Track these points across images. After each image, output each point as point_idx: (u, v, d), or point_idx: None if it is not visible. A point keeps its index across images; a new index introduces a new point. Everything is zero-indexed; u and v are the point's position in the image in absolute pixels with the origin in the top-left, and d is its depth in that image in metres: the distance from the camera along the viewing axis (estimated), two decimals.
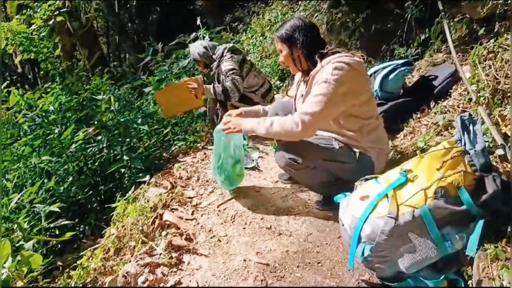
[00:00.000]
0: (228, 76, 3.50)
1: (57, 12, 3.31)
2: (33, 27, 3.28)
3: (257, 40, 8.91)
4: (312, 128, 2.13)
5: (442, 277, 1.77)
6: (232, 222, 2.40)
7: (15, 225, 2.30)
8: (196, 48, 3.80)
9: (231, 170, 2.53)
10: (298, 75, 2.51)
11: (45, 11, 3.26)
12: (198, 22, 4.86)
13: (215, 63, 3.69)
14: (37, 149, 3.17)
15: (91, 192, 3.12)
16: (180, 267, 2.05)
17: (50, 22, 3.29)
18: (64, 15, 3.36)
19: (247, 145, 2.60)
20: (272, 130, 2.15)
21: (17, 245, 2.26)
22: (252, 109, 2.66)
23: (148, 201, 2.60)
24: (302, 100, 2.37)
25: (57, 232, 2.96)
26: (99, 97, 3.44)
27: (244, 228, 2.34)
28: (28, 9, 3.47)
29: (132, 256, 2.16)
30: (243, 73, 3.62)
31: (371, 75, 3.35)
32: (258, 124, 2.20)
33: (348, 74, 2.11)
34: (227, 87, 3.43)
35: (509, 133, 2.25)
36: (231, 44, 3.81)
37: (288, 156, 2.22)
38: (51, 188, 2.91)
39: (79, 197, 3.06)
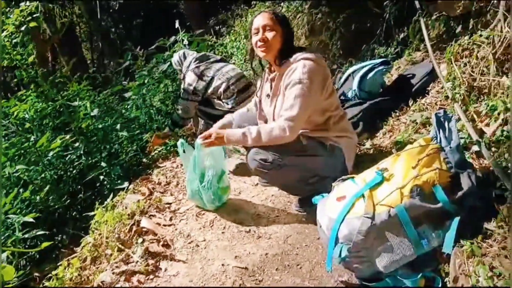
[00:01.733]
0: (179, 100, 3.76)
1: (29, 18, 3.25)
2: (4, 33, 3.22)
3: (240, 43, 8.91)
4: (297, 129, 2.19)
5: (420, 275, 1.76)
6: (211, 226, 2.37)
7: None
8: (174, 56, 3.91)
9: (217, 185, 2.45)
10: (265, 77, 2.51)
11: (17, 17, 3.20)
12: (177, 25, 4.82)
13: (183, 74, 3.78)
14: (12, 158, 3.10)
15: (69, 200, 3.07)
16: (156, 274, 2.02)
17: (23, 28, 3.23)
18: (39, 21, 3.29)
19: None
20: (262, 141, 2.18)
21: None
22: (224, 123, 2.64)
23: (126, 208, 2.56)
24: (269, 101, 2.39)
25: (34, 243, 2.90)
26: (75, 103, 3.38)
27: (223, 232, 2.31)
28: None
29: (108, 264, 2.11)
30: (199, 85, 3.65)
31: (349, 75, 3.36)
32: (243, 136, 2.20)
33: (316, 70, 2.18)
34: (172, 118, 3.84)
35: (484, 129, 2.25)
36: (201, 53, 3.88)
37: (259, 157, 2.23)
38: (26, 198, 2.85)
39: (57, 206, 3.01)
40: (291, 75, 2.19)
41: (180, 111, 3.77)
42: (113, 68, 11.13)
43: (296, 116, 2.13)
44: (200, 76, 3.65)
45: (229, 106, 3.59)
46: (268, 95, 2.43)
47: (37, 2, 3.24)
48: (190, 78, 3.65)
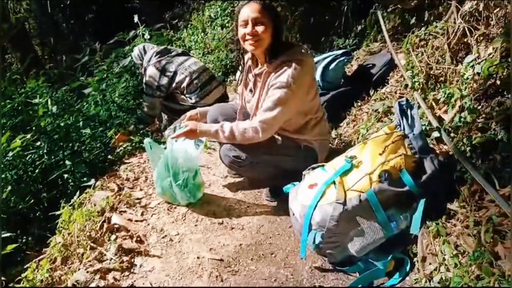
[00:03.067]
0: (143, 96, 3.78)
1: None
2: None
3: (198, 37, 8.86)
4: (271, 132, 2.21)
5: (390, 257, 1.85)
6: (184, 220, 2.37)
7: None
8: (134, 50, 3.89)
9: (192, 182, 2.45)
10: (247, 69, 2.45)
11: None
12: (136, 19, 4.74)
13: (143, 68, 3.75)
14: None
15: (32, 200, 2.97)
16: (132, 270, 2.00)
17: None
18: None
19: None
20: (235, 140, 2.19)
21: None
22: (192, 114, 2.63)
23: (95, 205, 2.52)
24: (251, 97, 2.38)
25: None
26: (36, 100, 3.27)
27: (196, 225, 2.32)
28: None
29: (81, 263, 2.08)
30: (162, 80, 3.63)
31: None
32: (216, 133, 2.20)
33: (305, 74, 2.14)
34: (137, 115, 3.89)
35: (443, 116, 2.37)
36: (162, 47, 3.85)
37: (232, 154, 2.26)
38: None
39: (20, 206, 2.91)
40: (279, 76, 2.13)
41: (146, 109, 3.77)
42: (67, 64, 10.76)
43: (272, 119, 2.13)
44: (162, 71, 3.62)
45: (193, 101, 3.59)
46: (251, 90, 2.40)
47: None
48: (152, 73, 3.63)
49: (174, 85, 3.63)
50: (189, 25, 10.02)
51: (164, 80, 3.62)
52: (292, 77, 2.08)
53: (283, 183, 2.29)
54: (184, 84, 3.60)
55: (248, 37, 2.14)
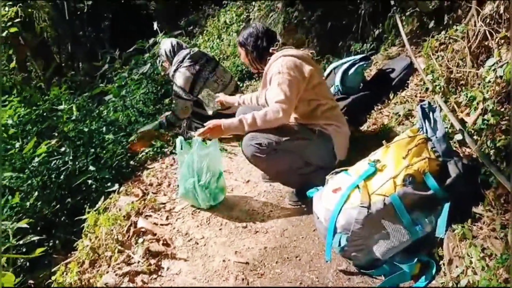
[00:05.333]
0: (174, 98, 3.71)
1: (10, 23, 3.21)
2: None
3: (214, 43, 8.93)
4: (290, 111, 2.35)
5: (416, 260, 1.86)
6: (208, 224, 2.41)
7: None
8: (165, 45, 3.80)
9: (215, 185, 2.50)
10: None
11: None
12: (155, 27, 4.81)
13: (174, 67, 3.69)
14: None
15: (58, 206, 3.04)
16: (159, 273, 2.05)
17: (3, 34, 3.19)
18: (18, 26, 3.25)
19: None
20: (257, 125, 2.31)
21: None
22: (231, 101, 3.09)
23: (120, 210, 2.57)
24: (262, 94, 2.63)
25: (24, 250, 2.86)
26: (61, 107, 3.35)
27: (220, 229, 2.36)
28: None
29: (109, 266, 2.13)
30: (197, 85, 3.64)
31: (331, 71, 3.44)
32: (239, 123, 2.32)
33: (294, 62, 2.40)
34: (168, 119, 3.78)
35: (465, 119, 2.37)
36: (195, 49, 3.81)
37: (254, 142, 2.30)
38: (16, 205, 2.81)
39: (46, 212, 2.98)
40: (271, 69, 2.45)
41: (178, 111, 3.72)
42: (84, 70, 10.94)
43: (284, 98, 2.29)
44: (196, 76, 3.62)
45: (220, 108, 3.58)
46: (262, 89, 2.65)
47: (17, 7, 3.19)
48: (185, 76, 3.60)
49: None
50: (204, 31, 10.11)
51: (197, 86, 3.63)
52: (281, 65, 2.37)
53: (304, 186, 2.36)
54: (216, 92, 3.65)
55: None
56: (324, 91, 2.54)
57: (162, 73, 3.94)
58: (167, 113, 3.94)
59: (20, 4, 3.33)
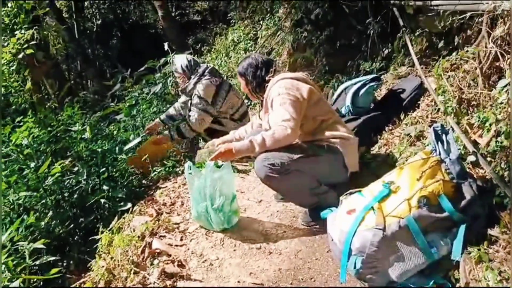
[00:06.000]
0: (192, 109, 3.66)
1: (26, 45, 3.28)
2: (2, 61, 3.24)
3: (222, 61, 9.03)
4: (296, 129, 2.39)
5: (431, 282, 1.86)
6: (222, 245, 2.42)
7: (3, 266, 2.23)
8: (180, 60, 3.82)
9: (229, 208, 2.51)
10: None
11: (14, 45, 3.23)
12: (166, 47, 4.88)
13: (194, 80, 3.70)
14: (12, 185, 3.09)
15: (72, 225, 3.06)
16: None
17: (20, 56, 3.26)
18: (33, 48, 3.33)
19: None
20: (267, 145, 2.35)
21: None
22: (228, 139, 3.02)
23: (134, 230, 2.59)
24: (264, 121, 2.72)
25: (38, 270, 2.88)
26: (75, 128, 3.40)
27: (234, 250, 2.36)
28: None
29: (124, 287, 2.14)
30: (219, 97, 3.69)
31: (342, 91, 3.48)
32: (250, 143, 2.37)
33: (291, 83, 2.52)
34: (180, 129, 3.72)
35: (478, 140, 2.38)
36: (211, 65, 3.88)
37: (267, 163, 2.33)
38: (30, 224, 2.84)
39: (60, 231, 3.00)
40: (271, 94, 2.56)
41: (194, 123, 3.66)
42: (94, 90, 11.07)
43: (289, 117, 2.36)
44: (218, 89, 3.66)
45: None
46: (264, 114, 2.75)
47: (33, 30, 3.26)
48: (208, 88, 3.62)
49: (225, 105, 3.71)
50: (212, 49, 10.23)
51: (220, 98, 3.68)
52: (279, 87, 2.50)
53: (318, 206, 2.41)
54: (234, 109, 3.73)
55: None
56: (326, 107, 2.64)
57: (177, 89, 3.97)
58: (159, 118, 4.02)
59: (36, 26, 3.40)
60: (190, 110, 3.71)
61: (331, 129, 2.54)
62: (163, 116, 3.97)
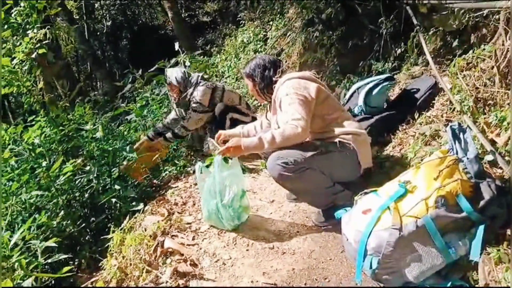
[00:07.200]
0: (190, 109, 3.81)
1: (38, 45, 3.29)
2: (15, 61, 3.25)
3: (231, 62, 9.01)
4: (306, 127, 2.35)
5: (449, 283, 1.82)
6: (234, 244, 2.40)
7: (16, 264, 2.23)
8: (174, 73, 3.93)
9: (238, 204, 2.49)
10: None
11: (27, 44, 3.24)
12: (177, 47, 4.88)
13: (190, 90, 3.85)
14: (24, 184, 3.10)
15: (83, 224, 3.06)
16: None
17: (33, 55, 3.27)
18: (45, 47, 3.33)
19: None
20: (276, 143, 2.32)
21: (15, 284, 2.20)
22: (235, 132, 2.95)
23: (145, 229, 2.57)
24: (272, 121, 2.71)
25: (50, 268, 2.88)
26: (87, 127, 3.41)
27: (247, 250, 2.34)
28: (8, 43, 3.44)
29: (137, 286, 2.12)
30: (216, 97, 3.86)
31: (354, 91, 3.44)
32: (259, 141, 2.35)
33: (299, 82, 2.48)
34: (176, 133, 3.81)
35: (495, 139, 2.33)
36: (201, 73, 4.10)
37: (280, 162, 2.31)
38: (42, 224, 2.84)
39: (72, 230, 3.00)
40: (279, 94, 2.53)
41: (189, 124, 3.81)
42: (104, 90, 11.13)
43: (299, 116, 2.33)
44: (214, 89, 3.84)
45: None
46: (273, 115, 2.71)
47: (45, 29, 3.27)
48: (205, 91, 3.79)
49: (225, 98, 3.87)
50: (222, 51, 10.23)
51: (216, 95, 3.83)
52: (287, 87, 2.47)
53: (331, 207, 2.41)
54: (236, 101, 3.88)
55: None
56: (334, 104, 2.60)
57: (174, 101, 4.02)
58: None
59: (49, 26, 3.41)
60: (186, 116, 3.87)
61: (341, 125, 2.50)
62: (150, 133, 3.99)
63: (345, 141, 2.44)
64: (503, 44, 2.62)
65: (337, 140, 2.44)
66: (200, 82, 3.86)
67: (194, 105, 3.78)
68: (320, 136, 2.52)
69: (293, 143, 2.35)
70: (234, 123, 3.76)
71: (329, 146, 2.43)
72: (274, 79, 2.62)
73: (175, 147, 4.26)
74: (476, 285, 1.78)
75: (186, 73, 3.94)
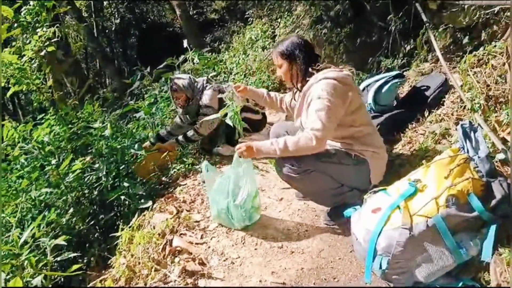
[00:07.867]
0: (201, 115, 3.72)
1: (47, 43, 3.30)
2: (24, 58, 3.27)
3: (239, 58, 9.00)
4: (324, 140, 2.25)
5: (460, 284, 1.80)
6: (243, 243, 2.39)
7: (25, 261, 2.24)
8: (181, 80, 3.87)
9: (251, 204, 2.48)
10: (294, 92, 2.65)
11: (37, 42, 3.26)
12: (185, 44, 4.87)
13: (198, 96, 3.82)
14: (34, 181, 3.12)
15: (92, 222, 3.07)
16: None
17: (42, 53, 3.29)
18: (54, 45, 3.35)
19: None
20: (289, 151, 2.23)
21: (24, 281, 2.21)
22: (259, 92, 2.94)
23: (154, 227, 2.57)
24: (296, 117, 2.57)
25: (59, 266, 2.89)
26: (96, 125, 3.42)
27: (255, 249, 2.33)
28: (17, 41, 3.46)
29: (145, 285, 2.13)
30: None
31: (363, 89, 3.41)
32: (271, 145, 2.26)
33: (335, 87, 2.27)
34: (189, 137, 3.73)
35: (507, 138, 2.31)
36: (205, 76, 4.05)
37: (287, 162, 2.30)
38: (51, 221, 2.85)
39: (81, 228, 3.01)
40: (311, 93, 2.33)
41: (201, 129, 3.73)
42: (113, 87, 11.18)
43: (321, 127, 2.20)
44: (221, 91, 3.74)
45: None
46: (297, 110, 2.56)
47: (55, 27, 3.28)
48: (213, 95, 3.73)
49: None
50: (230, 47, 10.22)
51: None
52: (321, 89, 2.26)
53: (339, 206, 2.39)
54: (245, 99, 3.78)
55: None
56: (364, 116, 2.46)
57: (179, 107, 3.99)
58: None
59: (58, 24, 3.42)
60: (197, 121, 3.79)
61: (363, 140, 2.40)
62: (153, 140, 3.97)
63: (362, 156, 2.38)
64: None
65: (354, 153, 2.38)
66: (206, 85, 3.83)
67: (205, 109, 3.73)
68: (339, 144, 2.45)
69: (305, 153, 2.26)
70: (246, 122, 3.77)
71: (344, 158, 2.37)
72: (310, 70, 2.41)
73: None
74: (488, 286, 1.76)
75: (192, 79, 3.91)
